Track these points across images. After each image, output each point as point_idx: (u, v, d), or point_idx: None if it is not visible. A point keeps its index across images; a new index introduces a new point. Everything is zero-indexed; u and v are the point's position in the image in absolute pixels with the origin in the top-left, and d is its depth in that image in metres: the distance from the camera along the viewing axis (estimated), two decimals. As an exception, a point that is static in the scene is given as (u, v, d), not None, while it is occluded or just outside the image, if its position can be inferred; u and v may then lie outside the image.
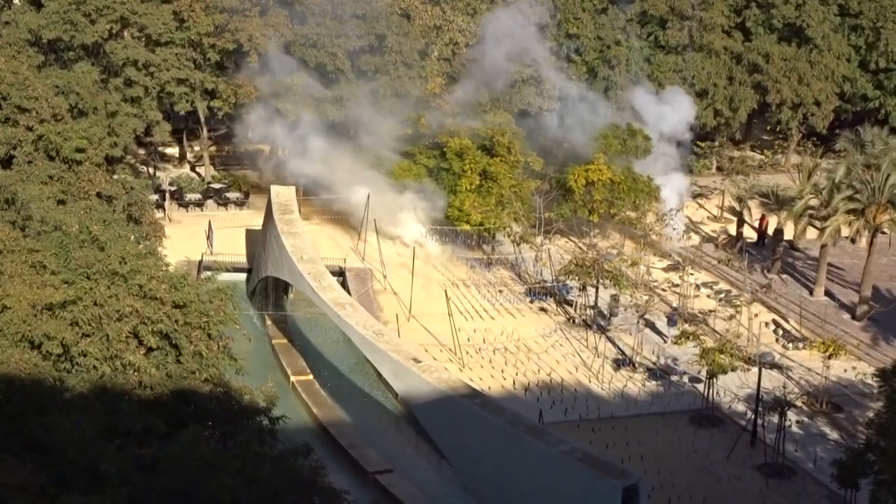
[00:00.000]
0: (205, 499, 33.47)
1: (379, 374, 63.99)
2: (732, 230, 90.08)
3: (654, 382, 67.56)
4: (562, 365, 69.40)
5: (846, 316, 76.77)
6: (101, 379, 40.59)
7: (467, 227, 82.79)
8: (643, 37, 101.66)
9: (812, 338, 72.30)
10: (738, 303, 75.97)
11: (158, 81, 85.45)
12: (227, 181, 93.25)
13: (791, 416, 61.25)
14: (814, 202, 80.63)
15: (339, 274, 78.04)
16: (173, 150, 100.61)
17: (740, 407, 64.59)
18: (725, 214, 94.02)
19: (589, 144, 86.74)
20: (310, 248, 72.32)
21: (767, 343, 72.20)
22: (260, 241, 79.16)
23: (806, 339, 72.84)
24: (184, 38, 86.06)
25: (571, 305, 77.26)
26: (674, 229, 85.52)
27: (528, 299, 78.63)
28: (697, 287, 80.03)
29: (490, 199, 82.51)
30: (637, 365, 69.29)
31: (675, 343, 70.25)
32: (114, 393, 39.77)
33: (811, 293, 79.64)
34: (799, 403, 64.47)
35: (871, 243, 77.01)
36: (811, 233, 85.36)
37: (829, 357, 66.14)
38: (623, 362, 69.70)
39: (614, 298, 75.01)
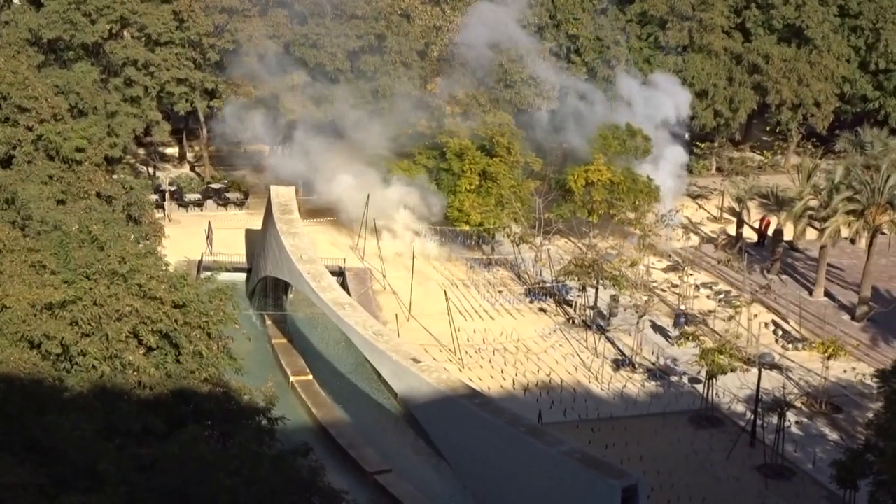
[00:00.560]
0: (204, 498, 33.47)
1: (378, 375, 64.03)
2: (732, 231, 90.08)
3: (653, 383, 67.57)
4: (561, 365, 69.41)
5: (846, 317, 76.78)
6: (100, 378, 40.57)
7: (467, 228, 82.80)
8: (643, 37, 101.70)
9: (811, 338, 72.31)
10: (738, 303, 75.94)
11: (158, 81, 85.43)
12: (226, 181, 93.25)
13: (790, 416, 61.30)
14: (813, 203, 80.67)
15: (339, 274, 78.07)
16: (173, 150, 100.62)
17: (740, 407, 64.60)
18: (725, 215, 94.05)
19: (588, 144, 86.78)
20: (309, 247, 72.34)
21: (767, 344, 72.23)
22: (259, 241, 79.18)
23: (805, 339, 72.86)
24: (183, 38, 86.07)
25: (571, 306, 77.27)
26: (670, 227, 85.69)
27: (528, 300, 78.65)
28: (697, 287, 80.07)
29: (489, 199, 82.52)
30: (636, 365, 69.31)
31: (675, 344, 70.29)
32: (113, 392, 39.75)
33: (811, 294, 79.65)
34: (798, 404, 64.50)
35: (870, 244, 77.01)
36: (811, 233, 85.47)
37: (829, 358, 66.14)
38: (622, 363, 69.71)
39: (614, 299, 75.04)
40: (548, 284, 79.62)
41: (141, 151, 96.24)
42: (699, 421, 63.32)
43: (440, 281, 79.18)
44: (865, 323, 75.66)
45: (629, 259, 79.04)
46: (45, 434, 34.52)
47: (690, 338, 68.71)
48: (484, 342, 71.94)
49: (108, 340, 41.29)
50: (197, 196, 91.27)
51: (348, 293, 71.44)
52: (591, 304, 75.59)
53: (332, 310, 64.28)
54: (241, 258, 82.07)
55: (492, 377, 67.39)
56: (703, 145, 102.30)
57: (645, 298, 75.20)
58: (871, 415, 57.59)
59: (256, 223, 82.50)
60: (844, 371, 68.59)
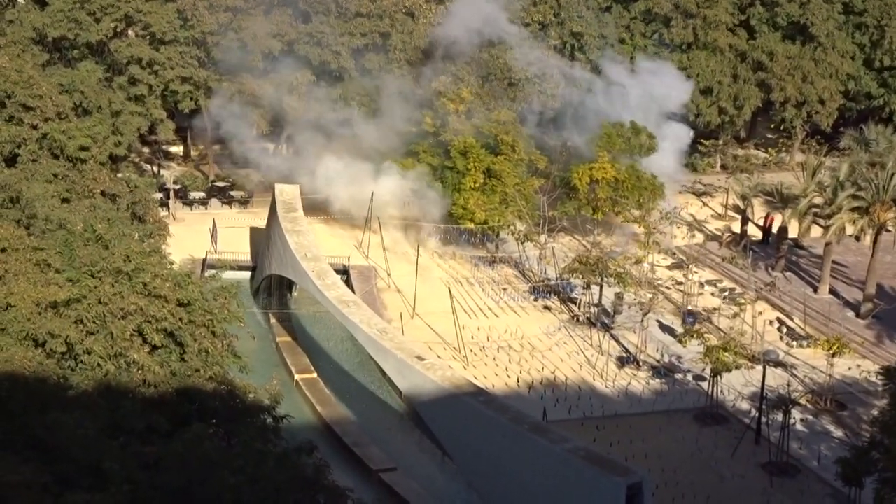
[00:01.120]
0: (208, 497, 33.47)
1: (383, 372, 64.08)
2: (737, 228, 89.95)
3: (657, 380, 67.56)
4: (566, 363, 69.41)
5: (850, 314, 76.70)
6: (104, 377, 40.56)
7: (471, 226, 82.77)
8: (647, 35, 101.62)
9: (816, 336, 72.24)
10: (743, 301, 75.92)
11: (162, 80, 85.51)
12: (230, 180, 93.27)
13: (795, 414, 61.25)
14: (818, 200, 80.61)
15: (343, 272, 78.11)
16: (177, 149, 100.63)
17: (744, 405, 64.58)
18: (730, 212, 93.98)
19: (592, 142, 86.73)
20: (314, 245, 72.34)
21: (772, 341, 72.20)
22: (264, 240, 79.22)
23: (810, 337, 72.79)
24: (188, 37, 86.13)
25: (575, 303, 77.25)
26: (675, 224, 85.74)
27: (532, 297, 78.67)
28: (702, 285, 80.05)
29: (494, 197, 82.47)
30: (641, 363, 69.30)
31: (680, 341, 70.25)
32: (117, 391, 39.74)
33: (815, 291, 79.57)
34: (803, 401, 64.45)
35: (875, 241, 76.94)
36: (815, 231, 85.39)
37: (834, 355, 66.14)
38: (627, 360, 69.70)
39: (618, 296, 75.03)
40: (552, 282, 79.61)
41: (145, 150, 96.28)
42: (704, 418, 63.30)
43: (445, 279, 79.19)
44: (870, 320, 75.59)
45: (633, 257, 79.05)
46: (49, 432, 34.53)
47: (695, 335, 68.68)
48: (488, 340, 71.94)
49: (113, 339, 41.29)
50: (201, 194, 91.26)
51: (353, 291, 71.43)
52: (596, 301, 75.58)
53: (337, 308, 64.28)
54: (246, 256, 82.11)
55: (496, 375, 67.40)
56: (707, 143, 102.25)
57: (649, 296, 75.20)
58: (876, 412, 57.65)
59: (261, 221, 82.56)
60: (849, 368, 68.57)
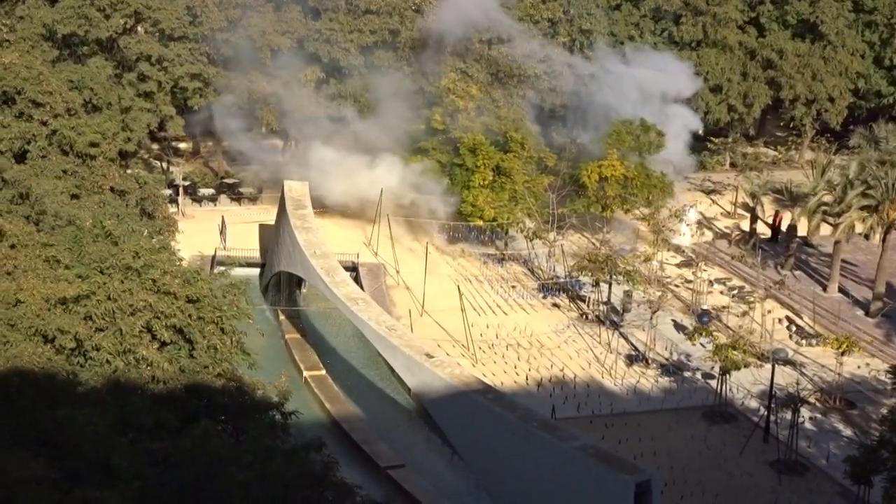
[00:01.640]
0: (217, 493, 33.47)
1: (391, 370, 64.09)
2: (746, 226, 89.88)
3: (666, 378, 67.50)
4: (574, 361, 69.37)
5: (860, 312, 76.60)
6: (114, 373, 40.58)
7: (480, 223, 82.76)
8: (657, 32, 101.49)
9: (825, 334, 72.15)
10: (752, 299, 75.82)
11: (172, 76, 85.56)
12: (239, 176, 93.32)
13: (804, 412, 61.12)
14: (827, 198, 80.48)
15: (352, 269, 78.15)
16: (187, 145, 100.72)
17: (753, 403, 64.51)
18: (739, 210, 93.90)
19: (601, 139, 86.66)
20: (322, 243, 72.35)
21: (781, 339, 72.06)
22: (273, 237, 79.24)
23: (819, 335, 72.68)
24: (197, 33, 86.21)
25: (584, 301, 77.23)
26: (686, 223, 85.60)
27: (541, 295, 78.65)
28: (711, 283, 79.96)
29: (503, 194, 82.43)
30: (650, 361, 69.24)
31: (688, 339, 70.19)
32: (127, 387, 39.76)
33: (825, 289, 79.46)
34: (812, 400, 64.33)
35: (884, 240, 76.82)
36: (825, 229, 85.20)
37: (843, 353, 66.04)
38: (636, 358, 69.65)
39: (627, 294, 74.98)
40: (561, 280, 79.57)
41: (155, 146, 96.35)
42: (713, 417, 63.24)
43: (454, 276, 79.18)
44: (879, 319, 75.47)
45: (643, 254, 78.99)
46: (58, 428, 34.55)
47: (704, 333, 68.60)
48: (497, 337, 71.94)
49: (122, 335, 41.30)
50: (210, 191, 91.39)
51: (362, 288, 71.45)
52: (605, 299, 75.55)
53: (346, 305, 64.27)
54: (255, 253, 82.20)
55: (505, 372, 67.39)
56: (717, 140, 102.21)
57: (658, 294, 75.13)
58: (885, 411, 57.55)
59: (270, 218, 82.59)
60: (858, 367, 68.45)
